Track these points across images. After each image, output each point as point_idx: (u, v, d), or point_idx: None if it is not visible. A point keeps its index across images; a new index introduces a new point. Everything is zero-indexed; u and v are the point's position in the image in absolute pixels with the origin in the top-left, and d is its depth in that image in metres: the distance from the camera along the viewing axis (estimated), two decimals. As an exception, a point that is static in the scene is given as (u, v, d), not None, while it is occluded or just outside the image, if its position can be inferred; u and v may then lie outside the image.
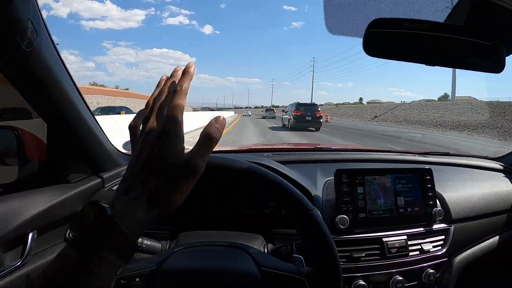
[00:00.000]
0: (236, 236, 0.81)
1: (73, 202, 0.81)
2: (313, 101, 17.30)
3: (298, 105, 15.10)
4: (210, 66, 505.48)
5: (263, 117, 32.42)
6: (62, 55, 0.62)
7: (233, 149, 1.41)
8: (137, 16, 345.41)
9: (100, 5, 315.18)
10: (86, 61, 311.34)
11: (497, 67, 0.56)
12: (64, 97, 0.66)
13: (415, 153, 1.33)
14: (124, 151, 1.09)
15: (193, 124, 10.76)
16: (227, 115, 28.43)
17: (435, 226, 0.90)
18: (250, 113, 47.36)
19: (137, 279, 0.59)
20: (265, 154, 1.15)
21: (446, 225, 0.92)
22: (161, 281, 0.59)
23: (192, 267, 0.61)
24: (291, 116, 14.92)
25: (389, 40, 0.54)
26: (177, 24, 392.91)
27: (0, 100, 0.82)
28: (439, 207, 0.91)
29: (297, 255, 0.62)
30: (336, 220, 0.81)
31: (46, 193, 0.75)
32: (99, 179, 0.90)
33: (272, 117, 31.05)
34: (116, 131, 5.27)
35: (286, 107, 18.82)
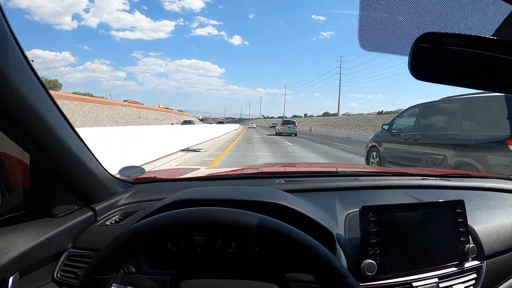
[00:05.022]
0: (247, 286, 0.72)
1: (60, 239, 0.72)
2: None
3: None
4: (240, 77, 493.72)
5: (279, 134, 23.12)
6: (39, 73, 0.54)
7: (239, 173, 1.31)
8: (166, 27, 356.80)
9: (130, 15, 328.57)
10: (117, 71, 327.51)
11: None
12: (40, 120, 0.56)
13: (435, 176, 1.26)
14: (120, 176, 1.00)
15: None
16: (216, 133, 18.52)
17: (467, 265, 0.81)
18: (255, 125, 50.28)
19: None
20: (277, 181, 1.05)
21: (478, 262, 0.83)
22: None
23: None
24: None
25: (440, 59, 0.44)
26: (206, 35, 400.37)
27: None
28: (471, 244, 0.82)
29: None
30: (362, 266, 0.71)
31: (29, 230, 0.66)
32: (91, 212, 0.80)
33: (292, 134, 22.34)
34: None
35: (397, 118, 5.77)
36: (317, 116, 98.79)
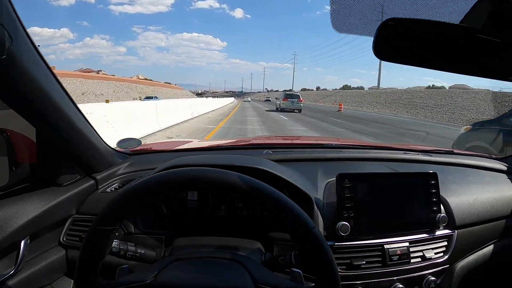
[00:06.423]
0: (234, 243, 0.79)
1: (65, 206, 0.80)
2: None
3: None
4: (242, 51, 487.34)
5: (280, 109, 19.91)
6: (45, 57, 0.59)
7: (230, 144, 1.38)
8: (166, 0, 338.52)
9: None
10: (117, 46, 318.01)
11: None
12: (48, 100, 0.63)
13: (418, 151, 1.29)
14: (118, 149, 1.07)
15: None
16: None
17: (438, 232, 0.88)
18: (250, 99, 51.74)
19: None
20: (265, 151, 1.11)
21: (449, 231, 0.90)
22: None
23: (186, 283, 0.59)
24: None
25: (402, 42, 0.49)
26: (207, 8, 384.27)
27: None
28: (443, 213, 0.88)
29: (296, 270, 0.60)
30: (337, 227, 0.79)
31: (38, 198, 0.73)
32: (93, 181, 0.88)
33: (295, 110, 19.15)
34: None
35: None
36: (333, 90, 71.85)
